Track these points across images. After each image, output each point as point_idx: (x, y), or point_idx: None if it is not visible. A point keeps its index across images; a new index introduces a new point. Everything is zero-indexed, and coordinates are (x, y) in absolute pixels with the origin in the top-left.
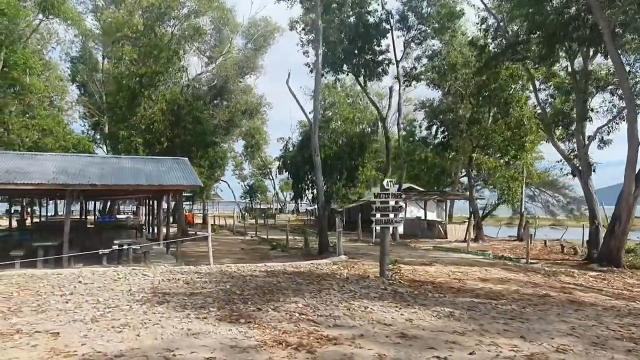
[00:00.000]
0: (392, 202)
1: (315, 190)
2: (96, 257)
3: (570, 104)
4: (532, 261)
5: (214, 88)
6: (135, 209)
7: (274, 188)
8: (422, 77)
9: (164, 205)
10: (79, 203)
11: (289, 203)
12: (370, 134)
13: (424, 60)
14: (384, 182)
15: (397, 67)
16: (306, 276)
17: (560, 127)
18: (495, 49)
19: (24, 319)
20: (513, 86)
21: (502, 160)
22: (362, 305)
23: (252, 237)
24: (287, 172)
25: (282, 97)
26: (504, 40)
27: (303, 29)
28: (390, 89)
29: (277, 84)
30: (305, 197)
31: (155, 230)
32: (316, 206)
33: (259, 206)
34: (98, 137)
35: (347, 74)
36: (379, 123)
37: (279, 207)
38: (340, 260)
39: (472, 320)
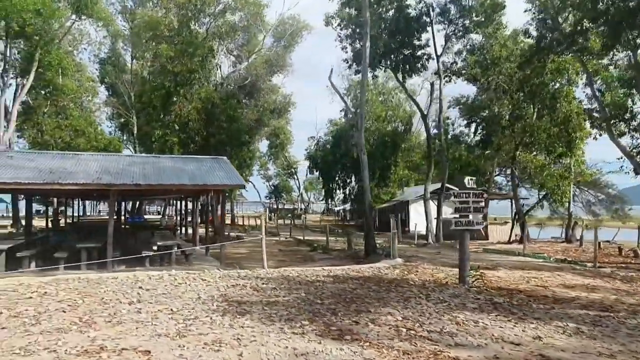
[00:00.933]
0: (472, 203)
1: (346, 190)
2: (137, 258)
3: (623, 98)
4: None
5: (243, 87)
6: (162, 209)
7: (299, 188)
8: (463, 72)
9: (189, 205)
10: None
11: (313, 203)
12: (404, 133)
13: (464, 55)
14: (465, 180)
15: (438, 62)
16: (376, 282)
17: (620, 122)
18: (540, 41)
19: (102, 333)
20: (559, 80)
21: (548, 158)
22: (468, 318)
23: (286, 238)
24: (317, 172)
25: (305, 97)
26: (548, 33)
27: (339, 24)
28: (432, 84)
29: (299, 83)
30: (336, 197)
31: (190, 231)
32: (345, 206)
33: (283, 206)
34: (125, 137)
35: (385, 70)
36: (421, 121)
37: (303, 207)
38: (398, 264)
39: (608, 338)
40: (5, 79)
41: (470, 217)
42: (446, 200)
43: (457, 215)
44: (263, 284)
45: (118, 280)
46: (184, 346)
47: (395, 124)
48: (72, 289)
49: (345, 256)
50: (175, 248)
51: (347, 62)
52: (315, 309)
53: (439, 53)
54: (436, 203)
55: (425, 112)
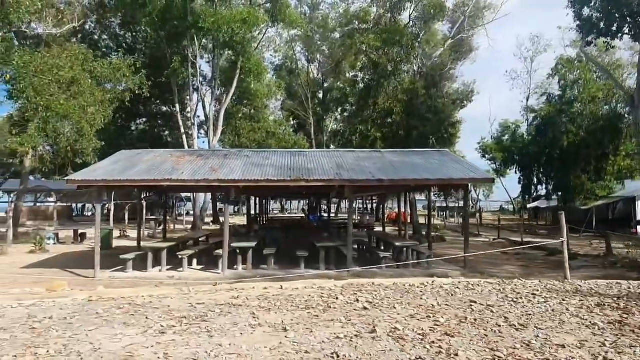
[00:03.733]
0: None
1: (550, 186)
2: (371, 260)
3: None
4: None
5: (425, 77)
6: (336, 207)
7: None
8: None
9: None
10: (278, 201)
11: (481, 201)
12: (629, 114)
13: None
14: None
15: None
16: None
17: None
18: None
19: None
20: None
21: None
22: None
23: (492, 239)
24: (516, 166)
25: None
26: None
27: None
28: None
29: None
30: (535, 193)
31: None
32: (534, 203)
33: (454, 204)
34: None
35: (621, 38)
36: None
37: (472, 205)
38: None
39: None
40: (213, 88)
41: None
42: None
43: None
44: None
45: (421, 287)
46: None
47: (615, 105)
48: (397, 299)
49: (610, 264)
50: (411, 250)
51: (579, 31)
52: None
53: None
54: None
55: None
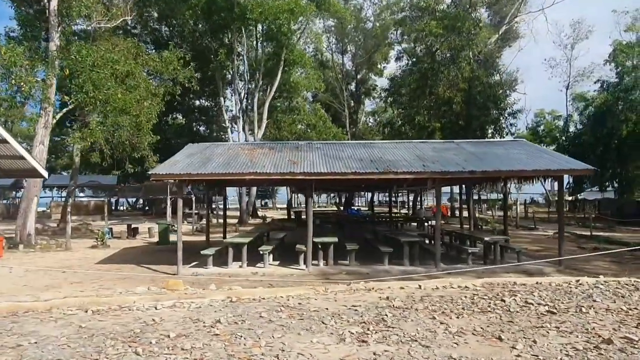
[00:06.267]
0: None
1: (605, 177)
2: (453, 257)
3: None
4: None
5: (490, 63)
6: (369, 200)
7: None
8: None
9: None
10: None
11: (513, 193)
12: None
13: None
14: None
15: None
16: None
17: None
18: None
19: None
20: None
21: None
22: None
23: (552, 233)
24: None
25: None
26: None
27: None
28: None
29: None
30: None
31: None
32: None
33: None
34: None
35: None
36: None
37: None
38: None
39: None
40: (256, 81)
41: None
42: None
43: None
44: None
45: (574, 288)
46: None
47: None
48: (571, 301)
49: None
50: (499, 246)
51: None
52: None
53: None
54: None
55: None
